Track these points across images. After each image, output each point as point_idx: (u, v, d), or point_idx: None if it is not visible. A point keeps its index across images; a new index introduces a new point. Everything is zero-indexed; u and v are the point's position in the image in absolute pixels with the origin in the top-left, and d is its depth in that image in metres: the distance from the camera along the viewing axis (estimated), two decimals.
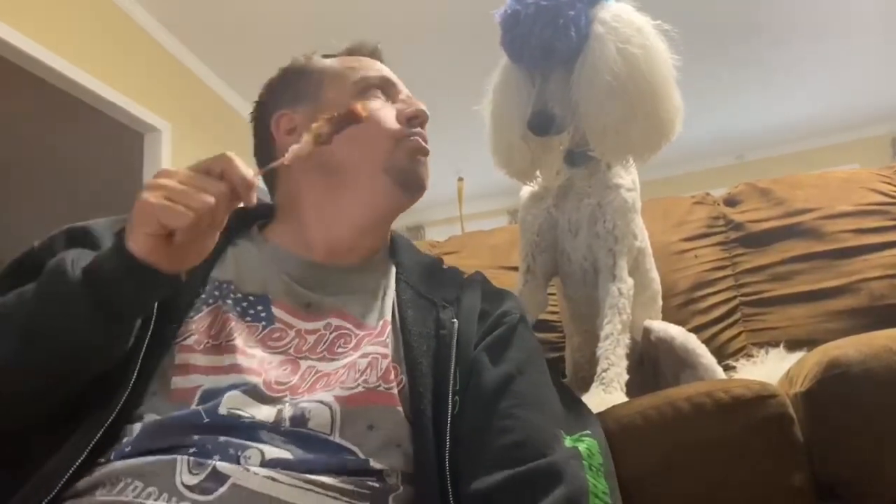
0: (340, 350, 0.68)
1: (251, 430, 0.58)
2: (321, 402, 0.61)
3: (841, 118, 5.10)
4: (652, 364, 1.04)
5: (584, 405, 0.77)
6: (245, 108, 4.02)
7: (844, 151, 5.27)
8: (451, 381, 0.66)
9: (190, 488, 0.52)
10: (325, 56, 0.87)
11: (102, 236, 0.68)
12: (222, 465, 0.53)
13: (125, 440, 0.56)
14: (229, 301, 0.69)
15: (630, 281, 0.99)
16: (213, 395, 0.60)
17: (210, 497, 0.52)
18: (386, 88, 0.82)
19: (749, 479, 0.68)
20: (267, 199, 0.85)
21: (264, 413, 0.59)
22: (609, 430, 0.72)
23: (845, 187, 1.41)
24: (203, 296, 0.68)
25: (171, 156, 3.33)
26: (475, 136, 1.13)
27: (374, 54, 0.87)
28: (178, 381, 0.61)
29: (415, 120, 0.80)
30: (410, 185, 0.79)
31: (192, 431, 0.56)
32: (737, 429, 0.69)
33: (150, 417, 0.58)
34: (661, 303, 1.20)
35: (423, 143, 0.81)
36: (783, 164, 5.29)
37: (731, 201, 1.51)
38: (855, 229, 1.33)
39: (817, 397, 0.69)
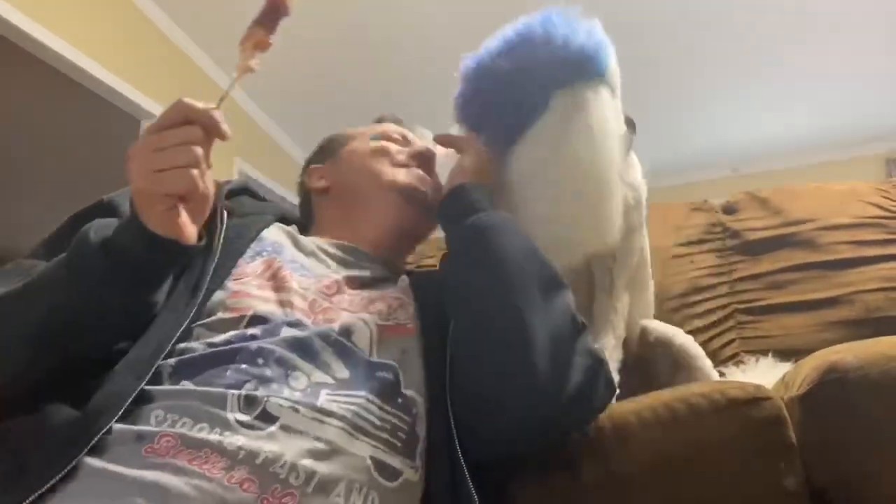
0: (374, 308, 0.75)
1: (309, 339, 0.62)
2: (363, 320, 0.69)
3: (836, 135, 5.13)
4: (647, 365, 1.03)
5: None
6: (240, 96, 4.02)
7: (839, 169, 5.31)
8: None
9: (241, 423, 0.53)
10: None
11: (122, 205, 0.71)
12: (272, 405, 0.55)
13: (189, 355, 0.59)
14: (284, 256, 0.73)
15: (626, 298, 0.98)
16: (262, 321, 0.62)
17: (261, 432, 0.53)
18: (403, 142, 0.93)
19: (742, 481, 0.68)
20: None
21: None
22: (603, 429, 0.71)
23: (844, 200, 1.42)
24: (255, 247, 0.73)
25: None
26: None
27: (398, 122, 0.99)
28: (231, 303, 0.64)
29: (419, 156, 0.91)
30: (412, 195, 0.88)
31: (251, 341, 0.60)
32: (731, 430, 0.69)
33: (203, 337, 0.61)
34: (653, 309, 1.19)
35: (421, 171, 0.91)
36: (778, 179, 5.32)
37: (729, 209, 1.52)
38: (851, 241, 1.33)
39: (813, 401, 0.68)
